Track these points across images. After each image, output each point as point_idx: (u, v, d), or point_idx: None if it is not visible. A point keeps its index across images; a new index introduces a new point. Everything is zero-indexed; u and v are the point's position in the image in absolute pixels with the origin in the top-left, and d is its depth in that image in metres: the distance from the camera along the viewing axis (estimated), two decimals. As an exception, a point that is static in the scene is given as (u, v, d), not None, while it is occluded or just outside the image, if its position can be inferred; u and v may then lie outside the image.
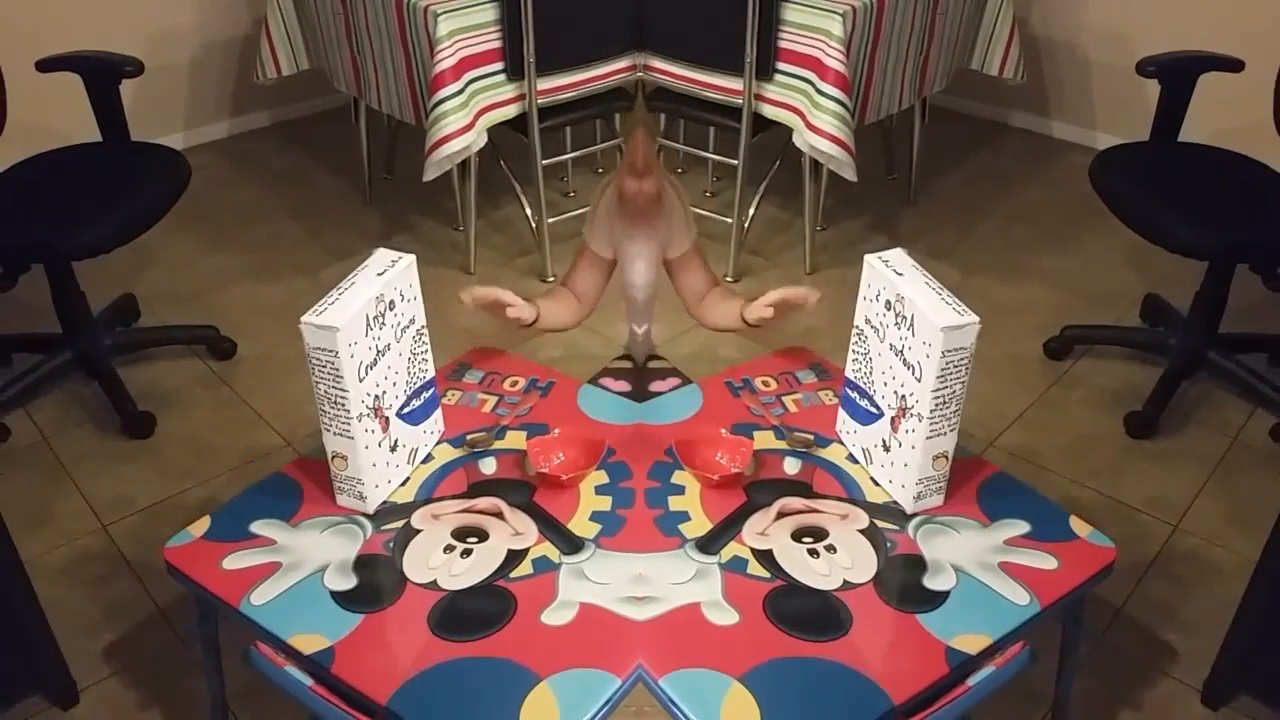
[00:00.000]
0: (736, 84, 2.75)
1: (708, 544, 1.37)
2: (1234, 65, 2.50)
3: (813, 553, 1.35)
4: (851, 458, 1.54)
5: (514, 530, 1.38)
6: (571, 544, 1.37)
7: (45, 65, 2.49)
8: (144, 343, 2.68)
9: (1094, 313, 2.82)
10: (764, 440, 1.57)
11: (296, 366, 2.57)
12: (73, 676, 1.73)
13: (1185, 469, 2.26)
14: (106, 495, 2.19)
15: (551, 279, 2.95)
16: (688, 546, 1.37)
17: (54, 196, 2.29)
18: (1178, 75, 2.50)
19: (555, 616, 1.25)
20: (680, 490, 1.47)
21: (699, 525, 1.40)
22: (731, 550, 1.36)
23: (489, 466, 1.51)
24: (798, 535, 1.38)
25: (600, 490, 1.47)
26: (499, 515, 1.41)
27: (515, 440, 1.56)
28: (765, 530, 1.39)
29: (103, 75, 2.48)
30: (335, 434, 1.38)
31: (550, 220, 2.95)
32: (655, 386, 1.71)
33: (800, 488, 1.47)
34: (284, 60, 3.24)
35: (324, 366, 1.34)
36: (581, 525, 1.40)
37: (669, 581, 1.31)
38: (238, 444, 2.34)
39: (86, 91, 2.49)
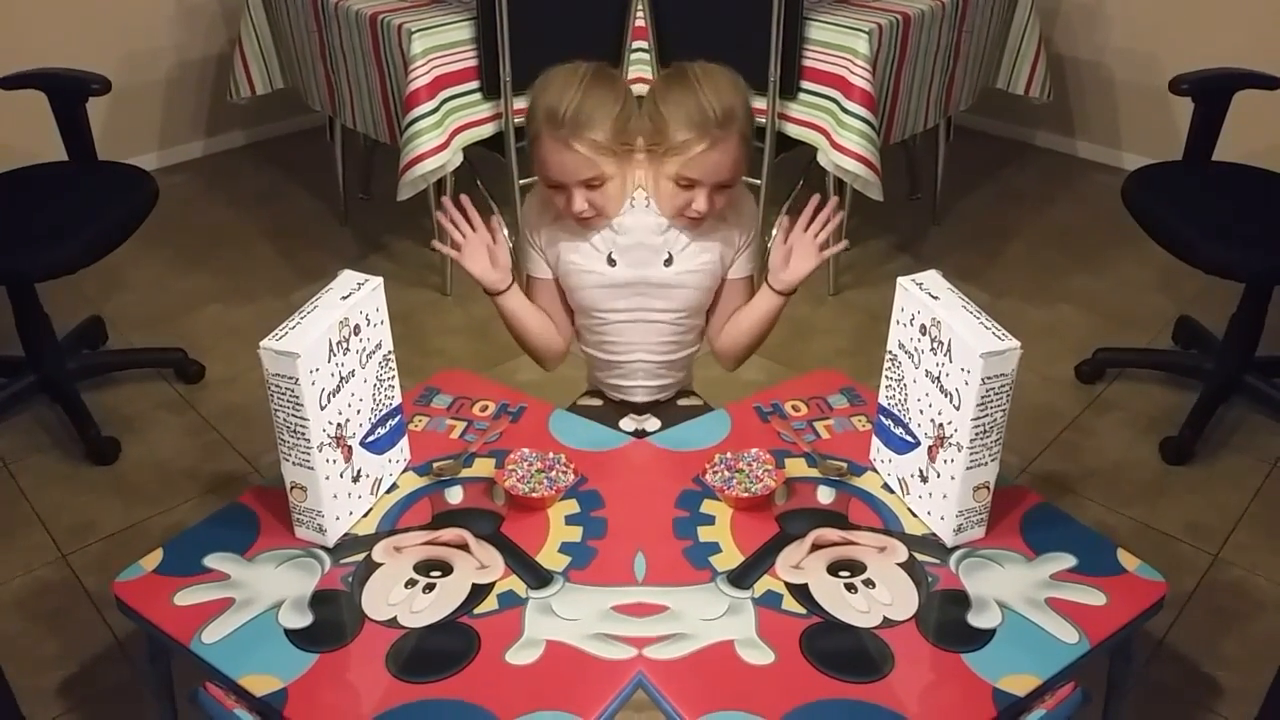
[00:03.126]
0: (760, 103, 2.70)
1: (740, 577, 1.31)
2: (1270, 83, 2.47)
3: (850, 587, 1.29)
4: (887, 487, 1.47)
5: (479, 563, 1.33)
6: (539, 577, 1.32)
7: (8, 82, 2.44)
8: (109, 366, 2.62)
9: (1125, 335, 2.77)
10: (796, 468, 1.50)
11: (266, 391, 2.52)
12: (23, 714, 1.66)
13: (1224, 496, 2.20)
14: (67, 523, 2.12)
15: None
16: (719, 580, 1.31)
17: (17, 216, 2.23)
18: (1212, 93, 2.46)
19: (520, 656, 1.20)
20: (710, 520, 1.41)
21: (730, 557, 1.34)
22: (765, 584, 1.30)
23: (455, 496, 1.46)
24: (834, 569, 1.32)
25: (570, 520, 1.41)
26: (464, 547, 1.36)
27: (483, 468, 1.51)
28: (800, 563, 1.33)
29: (68, 93, 2.43)
30: (294, 464, 1.33)
31: (528, 241, 2.91)
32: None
33: (835, 518, 1.41)
34: (258, 79, 3.20)
35: (283, 394, 1.30)
36: (550, 557, 1.35)
37: (699, 617, 1.25)
38: (204, 470, 2.28)
39: (52, 109, 2.44)
